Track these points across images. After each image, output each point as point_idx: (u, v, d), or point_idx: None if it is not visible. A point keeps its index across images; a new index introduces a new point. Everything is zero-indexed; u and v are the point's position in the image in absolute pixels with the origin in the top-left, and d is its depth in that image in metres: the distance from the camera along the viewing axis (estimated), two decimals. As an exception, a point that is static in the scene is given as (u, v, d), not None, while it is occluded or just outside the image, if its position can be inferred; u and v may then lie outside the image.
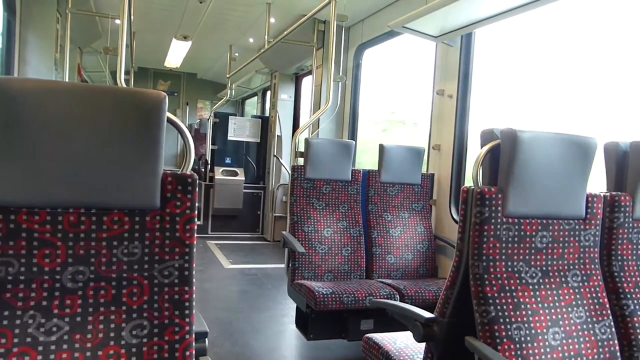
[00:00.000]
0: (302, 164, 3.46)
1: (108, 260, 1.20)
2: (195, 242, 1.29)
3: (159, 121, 1.22)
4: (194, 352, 1.27)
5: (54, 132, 1.14)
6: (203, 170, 7.80)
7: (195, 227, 1.29)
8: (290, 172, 3.55)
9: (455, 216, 3.64)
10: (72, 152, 1.15)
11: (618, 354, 1.62)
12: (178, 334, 1.25)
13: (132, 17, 4.38)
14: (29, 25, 4.30)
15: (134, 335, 1.21)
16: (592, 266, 1.67)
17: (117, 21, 5.54)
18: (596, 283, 1.66)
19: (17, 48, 4.15)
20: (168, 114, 1.25)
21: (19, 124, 1.11)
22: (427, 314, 1.71)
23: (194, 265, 1.29)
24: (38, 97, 1.12)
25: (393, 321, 2.02)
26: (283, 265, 3.48)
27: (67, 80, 5.08)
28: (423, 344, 1.79)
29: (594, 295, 1.64)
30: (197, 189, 1.28)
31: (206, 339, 1.42)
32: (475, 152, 1.72)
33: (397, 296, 2.99)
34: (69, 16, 4.62)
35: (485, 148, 1.59)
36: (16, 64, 4.14)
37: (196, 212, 1.28)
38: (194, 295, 1.29)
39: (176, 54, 8.56)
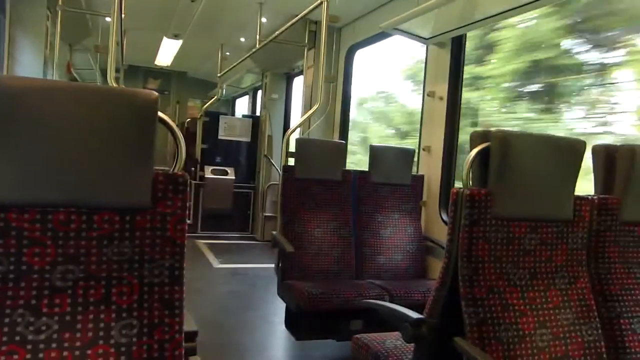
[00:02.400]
0: (293, 164, 3.47)
1: (98, 259, 1.20)
2: (185, 242, 1.29)
3: (151, 121, 1.22)
4: (183, 352, 1.27)
5: (44, 130, 1.13)
6: (193, 169, 7.77)
7: (186, 227, 1.29)
8: (280, 172, 3.55)
9: (444, 218, 3.66)
10: (62, 151, 1.15)
11: (604, 356, 1.63)
12: (168, 334, 1.24)
13: (123, 15, 4.35)
14: (18, 22, 4.26)
15: (124, 335, 1.20)
16: (580, 268, 1.69)
17: (108, 19, 5.51)
18: (583, 285, 1.68)
19: (6, 45, 4.11)
20: (159, 114, 1.25)
21: (10, 122, 1.10)
22: (416, 315, 1.72)
23: (185, 265, 1.29)
24: (29, 96, 1.11)
25: (382, 322, 2.03)
26: (273, 265, 3.48)
27: (56, 77, 5.04)
28: (412, 345, 1.80)
29: (581, 297, 1.66)
30: (188, 189, 1.28)
31: (196, 339, 1.42)
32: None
33: (387, 297, 3.00)
34: (59, 13, 4.58)
35: (475, 150, 1.60)
36: (5, 61, 4.11)
37: (187, 212, 1.28)
38: (184, 295, 1.29)
39: (167, 53, 8.52)
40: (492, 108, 4.02)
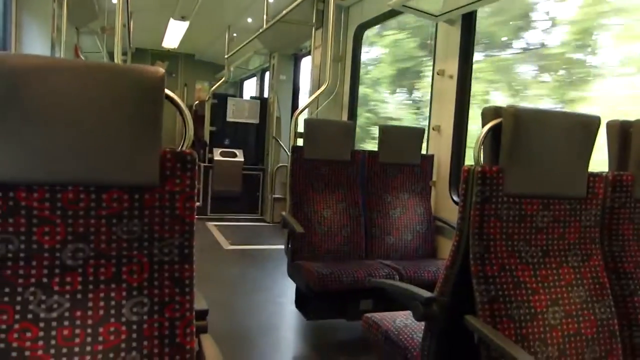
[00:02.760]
0: (302, 145, 3.45)
1: (108, 238, 1.20)
2: (195, 220, 1.28)
3: (158, 98, 1.21)
4: (194, 330, 1.27)
5: (52, 109, 1.12)
6: (202, 151, 7.77)
7: (195, 206, 1.28)
8: (289, 153, 3.54)
9: (454, 197, 3.64)
10: (69, 129, 1.14)
11: (617, 333, 1.62)
12: (178, 312, 1.25)
13: None
14: (25, 5, 4.24)
15: (135, 313, 1.21)
16: (593, 246, 1.67)
17: (114, 0, 5.47)
18: (596, 263, 1.66)
19: (13, 27, 4.10)
20: (166, 91, 1.23)
21: (17, 100, 1.09)
22: (427, 293, 1.72)
23: (194, 243, 1.29)
24: (36, 74, 1.10)
25: (392, 301, 2.03)
26: (283, 247, 3.49)
27: None
28: (422, 323, 1.80)
29: (594, 275, 1.65)
30: (196, 167, 1.27)
31: (207, 317, 1.42)
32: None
33: (397, 276, 3.00)
34: None
35: (487, 127, 1.58)
36: (13, 43, 4.10)
37: (196, 190, 1.28)
38: (194, 273, 1.29)
39: (174, 35, 8.47)
40: (383, 97, 6.13)
